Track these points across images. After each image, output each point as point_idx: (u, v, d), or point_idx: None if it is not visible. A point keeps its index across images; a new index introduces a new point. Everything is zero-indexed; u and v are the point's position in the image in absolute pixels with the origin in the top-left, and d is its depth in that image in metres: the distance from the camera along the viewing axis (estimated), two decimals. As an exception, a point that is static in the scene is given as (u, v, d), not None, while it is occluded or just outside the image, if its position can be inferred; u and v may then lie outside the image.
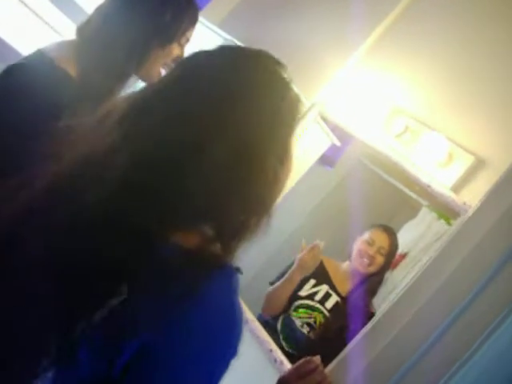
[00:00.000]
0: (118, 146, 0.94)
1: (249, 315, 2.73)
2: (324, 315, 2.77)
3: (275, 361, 2.53)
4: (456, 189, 2.65)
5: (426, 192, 2.78)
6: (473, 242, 2.26)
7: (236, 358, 0.93)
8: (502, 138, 2.62)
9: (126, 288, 0.86)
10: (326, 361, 1.98)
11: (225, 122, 0.96)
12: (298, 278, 2.75)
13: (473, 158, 2.64)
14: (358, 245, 2.89)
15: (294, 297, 2.77)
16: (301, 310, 2.76)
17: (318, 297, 2.78)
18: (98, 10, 1.73)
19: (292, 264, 2.82)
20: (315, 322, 2.75)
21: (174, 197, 0.91)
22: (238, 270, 0.95)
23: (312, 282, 2.81)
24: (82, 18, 1.74)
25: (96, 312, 0.86)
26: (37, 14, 3.26)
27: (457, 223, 2.49)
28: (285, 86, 1.09)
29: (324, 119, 3.12)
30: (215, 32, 3.30)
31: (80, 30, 1.72)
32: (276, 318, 2.79)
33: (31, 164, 0.97)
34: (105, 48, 1.66)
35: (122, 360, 0.86)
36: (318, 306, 2.76)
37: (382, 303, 2.75)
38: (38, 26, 3.31)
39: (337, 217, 3.57)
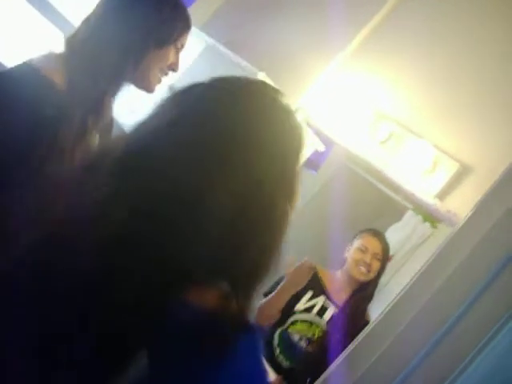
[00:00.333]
0: (112, 200, 0.85)
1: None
2: (322, 328, 2.72)
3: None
4: (441, 196, 2.62)
5: (411, 198, 2.75)
6: (465, 252, 2.21)
7: None
8: (487, 144, 2.59)
9: (146, 354, 0.80)
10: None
11: (229, 165, 0.87)
12: (290, 293, 2.69)
13: (458, 164, 2.61)
14: (352, 254, 2.83)
15: (291, 311, 2.71)
16: (299, 325, 2.71)
17: (315, 310, 2.72)
18: (88, 17, 1.66)
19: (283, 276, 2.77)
20: (314, 336, 2.70)
21: (181, 255, 0.83)
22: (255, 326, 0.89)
23: (309, 294, 2.75)
24: (66, 27, 1.66)
25: (117, 378, 0.80)
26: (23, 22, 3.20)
27: (449, 232, 2.44)
28: (288, 116, 0.98)
29: (307, 124, 3.08)
30: (197, 35, 3.25)
31: (70, 40, 1.65)
32: (271, 332, 2.73)
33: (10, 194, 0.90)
34: (99, 50, 1.58)
35: None
36: (316, 319, 2.71)
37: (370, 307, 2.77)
38: (23, 34, 3.25)
39: (321, 220, 3.53)
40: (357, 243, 2.84)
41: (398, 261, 3.69)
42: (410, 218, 3.75)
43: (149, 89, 1.71)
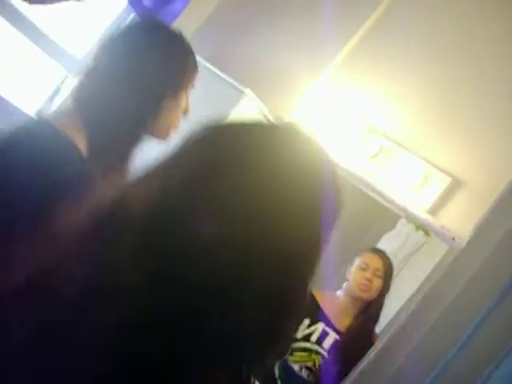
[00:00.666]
0: (130, 267, 0.73)
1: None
2: (322, 356, 2.63)
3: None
4: (433, 211, 2.57)
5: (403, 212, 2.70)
6: (467, 276, 2.16)
7: None
8: (479, 158, 2.56)
9: None
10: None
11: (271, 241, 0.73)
12: None
13: (450, 179, 2.57)
14: (352, 273, 2.76)
15: None
16: (297, 354, 2.63)
17: (314, 337, 2.64)
18: (95, 68, 1.58)
19: None
20: (314, 365, 2.61)
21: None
22: None
23: (306, 322, 2.67)
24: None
25: None
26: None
27: (453, 254, 2.39)
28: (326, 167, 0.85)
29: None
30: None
31: (79, 93, 1.57)
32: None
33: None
34: (116, 106, 1.51)
35: None
36: (315, 347, 2.63)
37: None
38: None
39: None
40: (357, 261, 2.78)
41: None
42: (403, 227, 3.70)
43: (166, 137, 1.65)
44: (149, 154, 1.52)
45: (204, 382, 0.74)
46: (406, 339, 2.20)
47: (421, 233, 3.64)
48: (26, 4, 2.75)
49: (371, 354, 2.30)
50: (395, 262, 3.65)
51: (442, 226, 2.48)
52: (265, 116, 2.99)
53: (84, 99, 1.54)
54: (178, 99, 1.63)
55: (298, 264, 0.76)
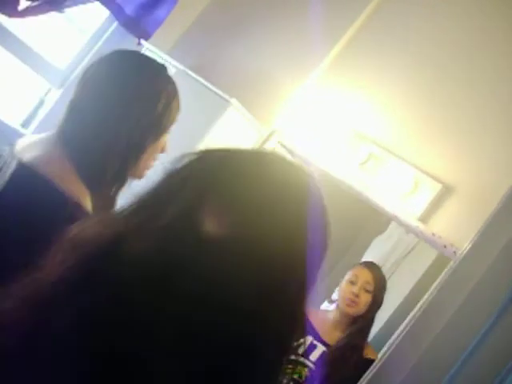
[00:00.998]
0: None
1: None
2: (309, 368, 2.58)
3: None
4: (424, 218, 2.52)
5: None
6: (468, 287, 2.12)
7: None
8: (470, 164, 2.51)
9: None
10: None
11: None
12: None
13: (440, 185, 2.52)
14: (343, 287, 2.72)
15: None
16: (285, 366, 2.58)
17: (301, 350, 2.60)
18: (81, 109, 1.51)
19: None
20: (300, 377, 2.56)
21: None
22: None
23: None
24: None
25: None
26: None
27: (443, 260, 2.36)
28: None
29: (283, 146, 2.96)
30: (165, 60, 3.11)
31: (66, 135, 1.50)
32: None
33: None
34: (102, 156, 1.46)
35: None
36: (301, 359, 2.58)
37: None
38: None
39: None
40: (348, 275, 2.73)
41: (384, 273, 3.61)
42: (394, 229, 3.66)
43: (141, 177, 1.59)
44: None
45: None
46: (405, 357, 2.16)
47: (412, 235, 3.61)
48: (5, 17, 2.69)
49: (369, 373, 2.25)
50: (387, 266, 3.62)
51: (433, 234, 2.44)
52: (251, 125, 2.93)
53: (69, 138, 1.48)
54: (159, 143, 1.57)
55: (283, 293, 0.75)
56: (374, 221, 3.65)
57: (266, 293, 0.72)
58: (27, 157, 1.44)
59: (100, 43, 3.34)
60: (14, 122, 3.13)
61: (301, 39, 3.07)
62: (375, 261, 2.99)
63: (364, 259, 3.30)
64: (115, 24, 3.31)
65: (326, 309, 2.84)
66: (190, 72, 2.97)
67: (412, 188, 2.55)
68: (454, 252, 2.36)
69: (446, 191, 2.50)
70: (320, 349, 2.62)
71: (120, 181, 1.54)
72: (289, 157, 0.84)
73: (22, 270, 0.80)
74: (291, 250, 0.75)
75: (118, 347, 0.68)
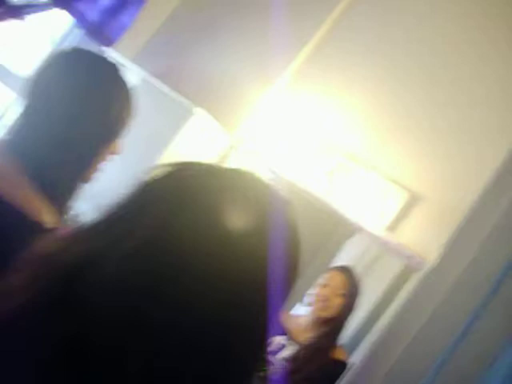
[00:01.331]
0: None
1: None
2: (276, 366, 2.56)
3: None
4: (392, 228, 2.47)
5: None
6: (439, 297, 2.09)
7: None
8: (438, 173, 2.46)
9: None
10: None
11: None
12: None
13: (407, 194, 2.46)
14: (316, 289, 2.69)
15: None
16: None
17: (270, 348, 2.57)
18: (33, 121, 1.41)
19: None
20: (267, 375, 2.47)
21: None
22: None
23: None
24: None
25: None
26: None
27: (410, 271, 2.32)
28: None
29: (249, 154, 2.89)
30: (130, 68, 3.03)
31: (14, 145, 1.40)
32: None
33: None
34: (55, 166, 1.38)
35: None
36: (269, 357, 2.54)
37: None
38: None
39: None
40: (321, 278, 2.70)
41: (358, 274, 3.58)
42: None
43: (89, 181, 1.51)
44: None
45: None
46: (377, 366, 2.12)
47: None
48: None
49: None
50: (360, 267, 3.57)
51: (399, 244, 2.39)
52: (217, 132, 2.86)
53: (20, 147, 1.39)
54: (112, 146, 1.49)
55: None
56: (345, 224, 3.61)
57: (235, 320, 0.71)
58: None
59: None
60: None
61: (267, 45, 2.99)
62: (348, 261, 2.96)
63: (336, 263, 3.26)
64: (80, 31, 3.22)
65: (299, 312, 2.80)
66: (155, 79, 2.90)
67: (379, 197, 2.49)
68: (420, 263, 2.31)
69: (414, 200, 2.45)
70: (289, 348, 2.61)
71: (74, 187, 1.47)
72: (261, 173, 0.81)
73: None
74: (258, 274, 0.73)
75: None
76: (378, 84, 2.70)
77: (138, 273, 0.69)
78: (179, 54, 3.22)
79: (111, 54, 3.08)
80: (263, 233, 0.73)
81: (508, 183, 2.19)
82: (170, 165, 0.80)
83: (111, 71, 1.47)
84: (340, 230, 3.71)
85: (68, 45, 3.27)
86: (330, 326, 2.60)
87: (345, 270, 2.73)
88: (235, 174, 0.80)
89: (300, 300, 2.92)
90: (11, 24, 2.84)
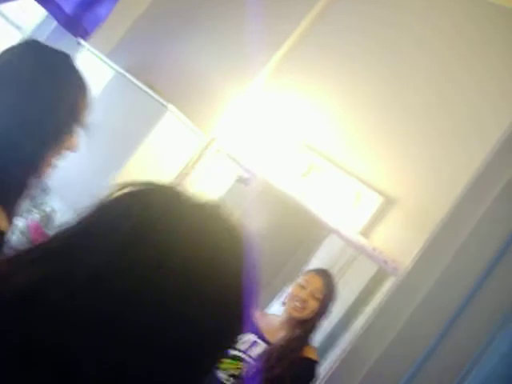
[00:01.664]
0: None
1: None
2: (248, 364, 2.51)
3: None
4: (365, 232, 2.41)
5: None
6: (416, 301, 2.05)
7: None
8: (412, 177, 2.41)
9: None
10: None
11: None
12: None
13: (382, 198, 2.41)
14: (292, 290, 2.61)
15: None
16: (225, 361, 2.50)
17: (242, 346, 2.53)
18: None
19: None
20: (239, 372, 2.49)
21: None
22: None
23: None
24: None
25: None
26: None
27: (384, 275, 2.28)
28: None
29: (224, 153, 2.82)
30: (104, 62, 2.94)
31: None
32: None
33: None
34: (7, 167, 1.30)
35: None
36: (239, 354, 2.50)
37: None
38: None
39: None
40: (299, 279, 2.63)
41: (336, 273, 3.54)
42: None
43: (42, 177, 1.42)
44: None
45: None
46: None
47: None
48: None
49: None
50: (338, 265, 3.53)
51: (374, 249, 2.33)
52: (191, 131, 2.78)
53: None
54: (68, 142, 1.39)
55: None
56: (318, 228, 3.57)
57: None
58: None
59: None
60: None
61: (243, 44, 2.93)
62: (326, 261, 2.94)
63: (313, 261, 3.21)
64: (54, 22, 3.12)
65: (273, 309, 2.80)
66: (129, 75, 2.81)
67: (354, 201, 2.44)
68: (395, 268, 2.25)
69: (388, 204, 2.40)
70: (261, 346, 2.55)
71: (24, 189, 1.37)
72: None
73: None
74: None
75: None
76: (353, 86, 2.65)
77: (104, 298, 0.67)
78: (155, 50, 3.15)
79: (87, 47, 3.00)
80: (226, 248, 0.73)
81: (485, 187, 2.14)
82: (131, 185, 0.77)
83: (62, 63, 1.38)
84: (316, 229, 3.68)
85: (44, 36, 3.16)
86: (304, 327, 2.55)
87: (324, 274, 2.66)
88: (197, 205, 0.77)
89: (274, 298, 2.90)
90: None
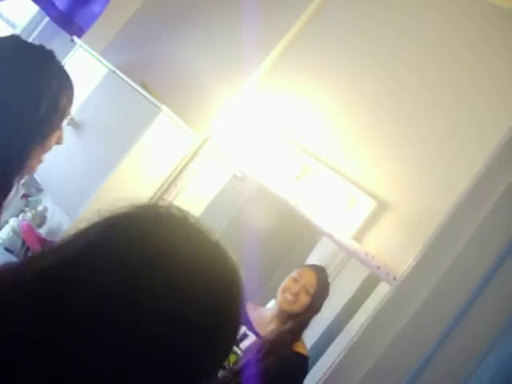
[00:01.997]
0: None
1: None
2: (237, 355, 2.50)
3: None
4: (358, 237, 2.36)
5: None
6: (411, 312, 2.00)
7: None
8: (407, 181, 2.36)
9: None
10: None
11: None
12: None
13: (376, 203, 2.36)
14: (285, 282, 2.60)
15: None
16: None
17: None
18: None
19: None
20: (228, 363, 2.46)
21: None
22: None
23: None
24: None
25: None
26: None
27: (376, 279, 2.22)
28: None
29: (217, 153, 2.76)
30: (98, 60, 2.86)
31: None
32: None
33: None
34: None
35: None
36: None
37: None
38: None
39: (237, 250, 3.25)
40: (293, 273, 2.60)
41: (331, 272, 3.50)
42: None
43: (31, 172, 1.43)
44: None
45: None
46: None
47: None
48: None
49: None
50: (334, 265, 3.48)
51: (366, 254, 2.27)
52: (184, 131, 2.71)
53: None
54: (54, 136, 1.38)
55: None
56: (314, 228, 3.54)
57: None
58: None
59: (30, 40, 3.06)
60: None
61: (237, 43, 2.90)
62: (323, 259, 2.92)
63: (309, 261, 3.16)
64: (47, 18, 3.04)
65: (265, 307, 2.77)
66: (122, 74, 2.74)
67: (347, 204, 2.38)
68: (389, 274, 2.19)
69: (382, 209, 2.35)
70: (251, 338, 2.55)
71: (13, 182, 1.36)
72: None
73: None
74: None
75: None
76: (348, 88, 2.60)
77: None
78: (148, 49, 3.11)
79: (81, 44, 2.92)
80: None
81: (484, 192, 2.08)
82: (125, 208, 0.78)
83: (42, 57, 1.36)
84: (309, 232, 3.63)
85: (36, 33, 3.09)
86: (295, 322, 2.52)
87: (318, 270, 2.64)
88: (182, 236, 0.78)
89: (266, 301, 2.85)
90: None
